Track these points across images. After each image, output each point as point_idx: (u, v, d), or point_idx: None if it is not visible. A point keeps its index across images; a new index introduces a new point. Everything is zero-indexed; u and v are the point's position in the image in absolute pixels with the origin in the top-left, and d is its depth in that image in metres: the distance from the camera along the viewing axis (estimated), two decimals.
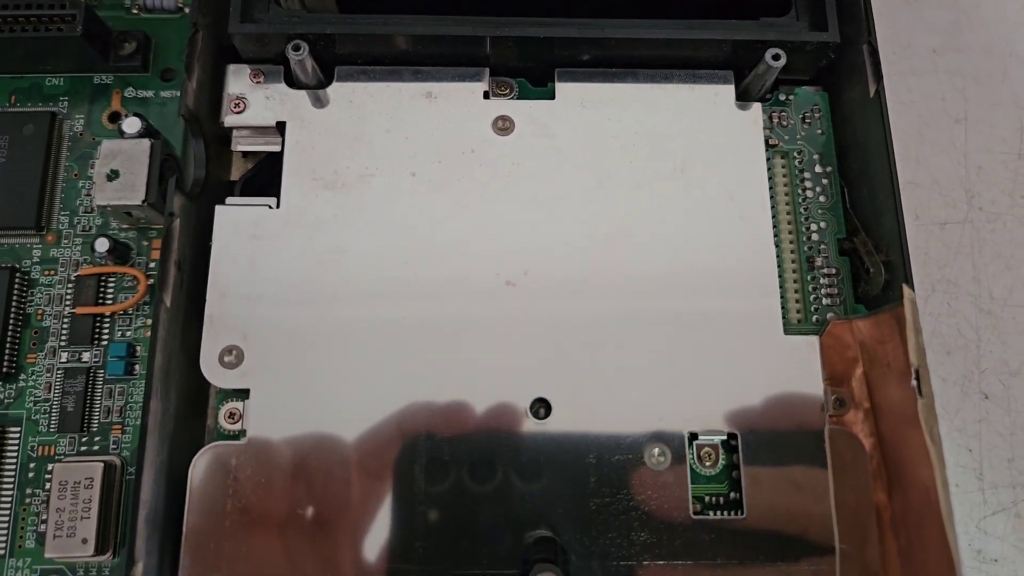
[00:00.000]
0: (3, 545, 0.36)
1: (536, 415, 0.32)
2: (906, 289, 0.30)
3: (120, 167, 0.37)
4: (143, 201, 0.37)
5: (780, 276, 0.35)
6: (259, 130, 0.35)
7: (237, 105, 0.35)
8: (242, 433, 0.32)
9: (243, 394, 0.32)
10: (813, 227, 0.36)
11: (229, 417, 0.32)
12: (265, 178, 0.38)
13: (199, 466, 0.31)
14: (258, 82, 0.35)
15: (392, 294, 0.33)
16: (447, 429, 0.31)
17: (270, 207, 0.34)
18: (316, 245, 0.33)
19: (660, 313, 0.33)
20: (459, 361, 0.32)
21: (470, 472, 0.31)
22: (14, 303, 0.38)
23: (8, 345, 0.38)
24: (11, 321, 0.38)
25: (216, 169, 0.37)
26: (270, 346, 0.32)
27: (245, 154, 0.38)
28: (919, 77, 0.46)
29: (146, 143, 0.38)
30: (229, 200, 0.34)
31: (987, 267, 0.43)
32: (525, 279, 0.33)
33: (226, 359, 0.32)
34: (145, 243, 0.40)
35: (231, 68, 0.36)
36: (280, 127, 0.35)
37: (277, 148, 0.35)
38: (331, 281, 0.33)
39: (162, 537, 0.30)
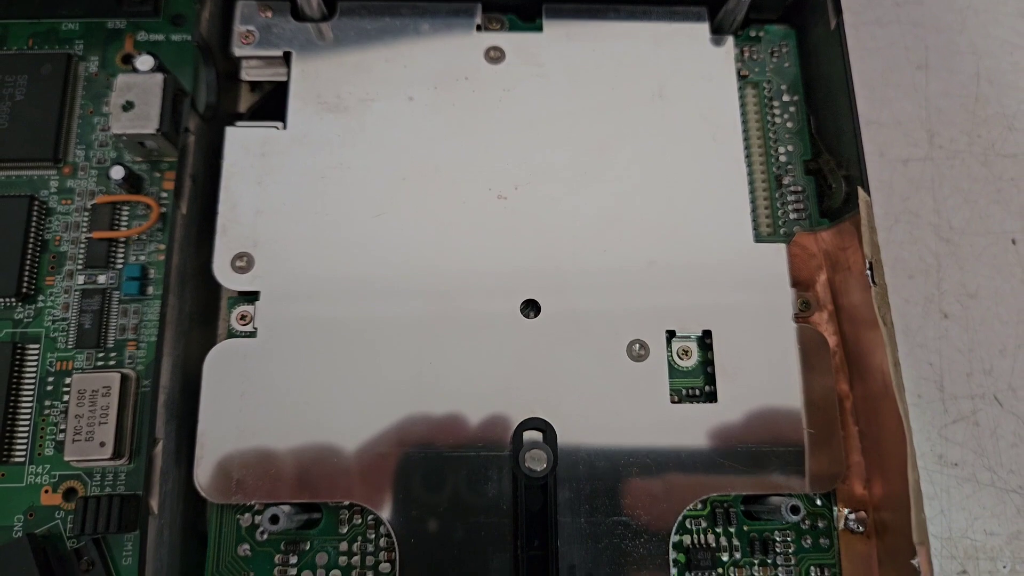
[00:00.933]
0: (24, 453, 0.38)
1: (526, 315, 0.34)
2: (860, 191, 0.33)
3: (135, 99, 0.40)
4: (156, 130, 0.39)
5: (751, 193, 0.37)
6: (267, 60, 0.38)
7: (246, 37, 0.38)
8: (253, 333, 0.34)
9: (253, 298, 0.34)
10: (781, 150, 0.39)
11: (240, 319, 0.34)
12: (271, 110, 0.40)
13: (213, 360, 0.33)
14: (266, 16, 0.38)
15: (391, 208, 0.35)
16: (443, 330, 0.34)
17: (277, 128, 0.36)
18: (320, 163, 0.36)
19: (640, 223, 0.36)
20: (455, 266, 0.35)
21: (465, 366, 0.33)
22: (32, 229, 0.40)
23: (27, 268, 0.40)
24: (29, 246, 0.40)
25: (225, 101, 0.39)
26: (279, 253, 0.34)
27: (252, 87, 0.41)
28: (883, 27, 0.49)
29: (159, 77, 0.40)
30: (239, 123, 0.37)
31: (947, 200, 0.46)
32: (515, 194, 0.36)
33: (237, 264, 0.34)
34: (157, 175, 0.42)
35: (240, 3, 0.38)
36: (286, 57, 0.38)
37: (283, 78, 0.38)
38: (335, 195, 0.35)
39: (179, 425, 0.32)
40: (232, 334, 0.34)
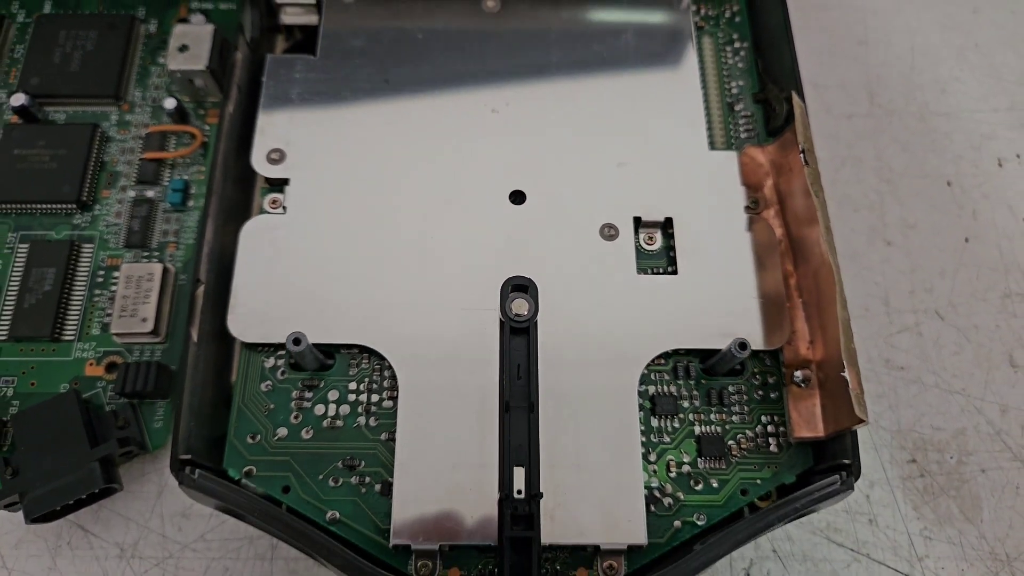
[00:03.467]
0: (74, 332, 0.43)
1: (514, 202, 0.40)
2: (794, 95, 0.40)
3: (188, 43, 0.47)
4: (205, 66, 0.46)
5: (707, 118, 0.44)
6: (303, 7, 0.46)
7: None
8: (283, 212, 0.40)
9: (282, 188, 0.41)
10: (734, 84, 0.45)
11: (272, 203, 0.40)
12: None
13: (248, 230, 0.39)
14: None
15: (400, 114, 0.42)
16: (445, 213, 0.40)
17: (312, 56, 0.43)
18: (342, 81, 0.43)
19: (611, 133, 0.42)
20: (456, 163, 0.41)
21: (462, 241, 0.39)
22: (94, 151, 0.47)
23: (88, 182, 0.46)
24: (91, 164, 0.47)
25: (263, 46, 0.47)
26: (307, 150, 0.41)
27: (287, 38, 0.48)
28: (827, 11, 0.57)
29: (210, 27, 0.48)
30: (278, 53, 0.44)
31: (887, 148, 0.53)
32: (506, 108, 0.42)
33: (272, 156, 0.41)
34: (202, 112, 0.49)
35: None
36: (318, 4, 0.45)
37: (315, 22, 0.46)
38: (355, 106, 0.42)
39: (214, 308, 0.37)
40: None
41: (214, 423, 0.36)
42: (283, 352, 0.37)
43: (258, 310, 0.37)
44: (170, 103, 0.47)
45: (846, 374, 0.33)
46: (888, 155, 0.52)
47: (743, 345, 0.35)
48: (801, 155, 0.38)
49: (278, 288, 0.38)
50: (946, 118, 0.54)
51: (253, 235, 0.39)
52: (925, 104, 0.54)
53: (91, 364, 0.42)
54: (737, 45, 0.47)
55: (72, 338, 0.43)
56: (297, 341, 0.34)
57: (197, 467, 0.33)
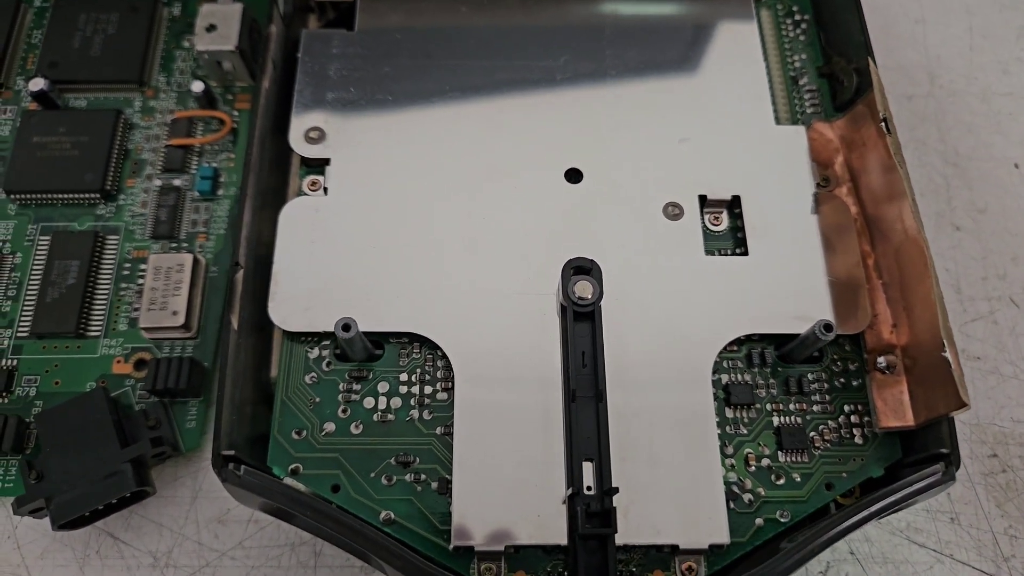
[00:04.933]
0: (100, 328, 0.41)
1: (571, 181, 0.38)
2: (871, 63, 0.37)
3: (216, 22, 0.45)
4: (235, 47, 0.44)
5: (771, 92, 0.41)
6: None
7: None
8: (323, 194, 0.37)
9: (320, 170, 0.38)
10: (796, 58, 0.43)
11: (311, 185, 0.38)
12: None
13: (288, 212, 0.36)
14: None
15: (445, 98, 0.39)
16: (498, 192, 0.37)
17: (347, 31, 0.41)
18: (383, 57, 0.40)
19: (672, 111, 0.40)
20: (509, 138, 0.38)
21: (517, 223, 0.37)
22: (118, 139, 0.45)
23: (112, 171, 0.44)
24: (114, 152, 0.44)
25: (296, 24, 0.44)
26: (347, 128, 0.38)
27: (320, 16, 0.46)
28: None
29: (238, 6, 0.45)
30: (312, 28, 0.42)
31: (951, 131, 0.50)
32: (567, 79, 0.40)
33: (311, 135, 0.38)
34: (230, 96, 0.47)
35: None
36: None
37: None
38: (397, 83, 0.40)
39: (252, 296, 0.35)
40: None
41: (255, 421, 0.33)
42: (328, 342, 0.35)
43: (301, 297, 0.35)
44: (198, 86, 0.45)
45: (947, 354, 0.30)
46: (952, 138, 0.50)
47: (828, 327, 0.33)
48: (883, 123, 0.36)
49: (321, 273, 0.35)
50: (1010, 98, 0.51)
51: (293, 218, 0.36)
52: (987, 85, 0.51)
53: (119, 361, 0.40)
54: (798, 17, 0.44)
55: (98, 334, 0.41)
56: (347, 327, 0.31)
57: (241, 463, 0.30)
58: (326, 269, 0.35)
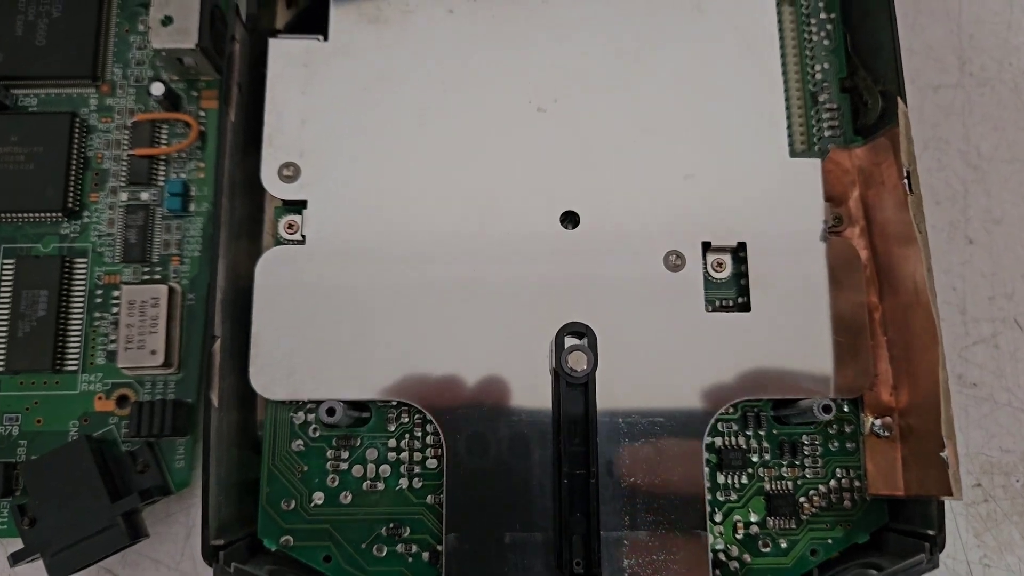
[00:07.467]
0: (76, 362, 0.39)
1: (566, 226, 0.35)
2: (900, 102, 0.34)
3: (173, 13, 0.40)
4: (196, 45, 0.39)
5: (787, 110, 0.38)
6: None
7: None
8: (301, 241, 0.35)
9: (299, 208, 0.35)
10: (817, 68, 0.39)
11: (288, 228, 0.35)
12: (308, 25, 0.40)
13: (264, 265, 0.34)
14: None
15: (432, 117, 0.36)
16: (486, 238, 0.35)
17: (319, 40, 0.37)
18: (362, 75, 0.36)
19: (677, 136, 0.36)
20: (495, 177, 0.35)
21: (506, 273, 0.34)
22: (75, 146, 0.41)
23: (72, 184, 0.41)
24: (73, 162, 0.41)
25: (263, 17, 0.40)
26: (325, 162, 0.35)
27: (289, 4, 0.41)
28: None
29: None
30: (281, 35, 0.37)
31: (976, 127, 0.47)
32: (554, 107, 0.36)
33: (284, 173, 0.35)
34: (195, 94, 0.42)
35: None
36: None
37: None
38: (377, 106, 0.36)
39: (232, 330, 0.34)
40: (280, 242, 0.35)
41: (243, 490, 0.33)
42: (313, 405, 0.34)
43: (283, 360, 0.33)
44: (157, 88, 0.40)
45: (946, 454, 0.30)
46: (977, 136, 0.46)
47: (827, 408, 0.32)
48: (904, 180, 0.33)
49: (303, 333, 0.33)
50: None
51: (270, 270, 0.34)
52: (1021, 71, 0.47)
53: (100, 398, 0.39)
54: (823, 16, 0.39)
55: (75, 368, 0.39)
56: (331, 411, 0.30)
57: (231, 545, 0.30)
58: (308, 328, 0.33)
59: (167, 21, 0.40)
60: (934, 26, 0.48)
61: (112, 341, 0.39)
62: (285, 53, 0.36)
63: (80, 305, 0.40)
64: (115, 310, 0.40)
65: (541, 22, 0.37)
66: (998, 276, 0.45)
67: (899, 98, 0.34)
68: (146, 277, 0.40)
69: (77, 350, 0.39)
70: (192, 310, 0.40)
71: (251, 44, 0.37)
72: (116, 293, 0.40)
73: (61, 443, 0.38)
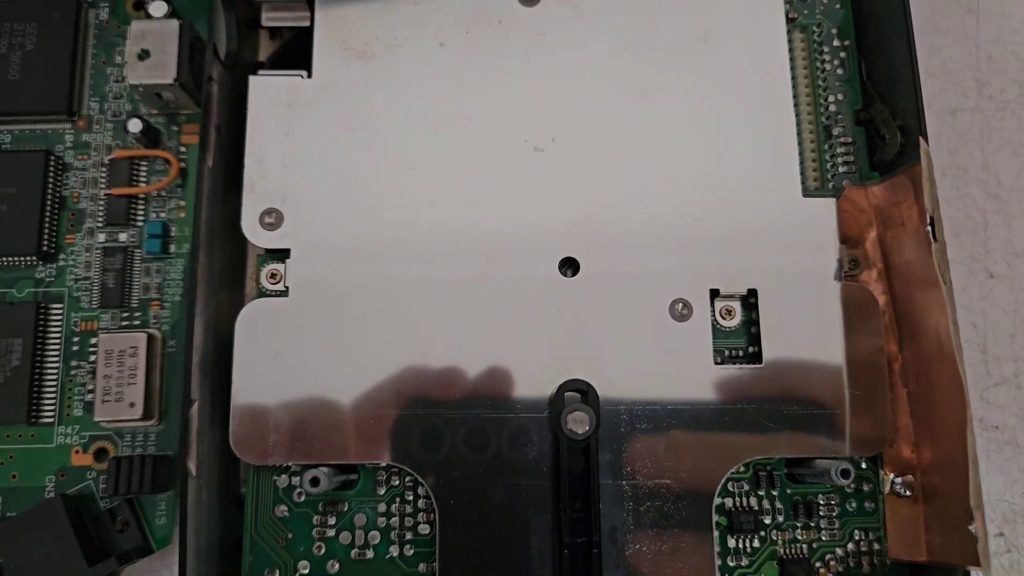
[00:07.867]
0: (52, 413, 0.37)
1: (565, 274, 0.33)
2: (922, 142, 0.32)
3: (150, 47, 0.38)
4: (174, 80, 0.37)
5: (799, 145, 0.36)
6: (288, 4, 0.36)
7: None
8: (284, 292, 0.33)
9: (282, 256, 0.33)
10: (831, 99, 0.37)
11: (271, 277, 0.33)
12: (292, 59, 0.38)
13: (245, 319, 0.32)
14: None
15: (423, 161, 0.34)
16: (479, 289, 0.33)
17: (302, 77, 0.35)
18: (348, 113, 0.34)
19: (683, 176, 0.34)
20: (489, 222, 0.33)
21: (502, 326, 0.32)
22: (50, 185, 0.39)
23: (47, 226, 0.39)
24: (48, 202, 0.39)
25: (245, 51, 0.38)
26: (308, 208, 0.33)
27: (272, 35, 0.39)
28: None
29: (175, 23, 0.38)
30: (262, 72, 0.35)
31: (995, 153, 0.44)
32: (552, 146, 0.34)
33: (266, 220, 0.33)
34: (175, 128, 0.40)
35: None
36: (309, 1, 0.36)
37: (306, 23, 0.36)
38: (364, 148, 0.34)
39: (212, 386, 0.32)
40: (262, 293, 0.33)
41: (227, 548, 0.31)
42: (299, 468, 0.32)
43: (264, 424, 0.31)
44: (135, 125, 0.38)
45: (975, 527, 0.28)
46: (996, 163, 0.44)
47: (846, 472, 0.30)
48: (928, 227, 0.31)
49: (286, 393, 0.32)
50: None
51: (251, 326, 0.32)
52: None
53: (77, 452, 0.37)
54: (836, 43, 0.37)
55: (51, 420, 0.37)
56: (315, 481, 0.28)
57: None
58: (291, 388, 0.32)
59: (144, 55, 0.38)
60: (950, 47, 0.46)
61: (90, 391, 0.38)
62: (266, 92, 0.34)
63: (56, 353, 0.38)
64: (92, 358, 0.38)
65: (538, 55, 0.35)
66: (1020, 312, 0.43)
67: (921, 138, 0.32)
68: (125, 323, 0.38)
69: (53, 401, 0.38)
70: (173, 357, 0.38)
71: (232, 81, 0.35)
72: (93, 340, 0.38)
73: (37, 499, 0.36)
